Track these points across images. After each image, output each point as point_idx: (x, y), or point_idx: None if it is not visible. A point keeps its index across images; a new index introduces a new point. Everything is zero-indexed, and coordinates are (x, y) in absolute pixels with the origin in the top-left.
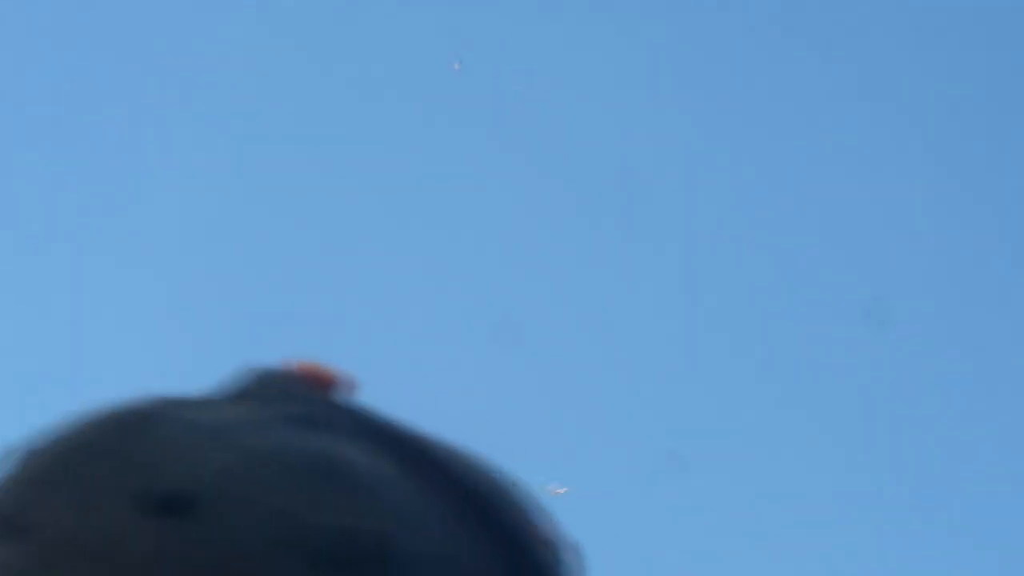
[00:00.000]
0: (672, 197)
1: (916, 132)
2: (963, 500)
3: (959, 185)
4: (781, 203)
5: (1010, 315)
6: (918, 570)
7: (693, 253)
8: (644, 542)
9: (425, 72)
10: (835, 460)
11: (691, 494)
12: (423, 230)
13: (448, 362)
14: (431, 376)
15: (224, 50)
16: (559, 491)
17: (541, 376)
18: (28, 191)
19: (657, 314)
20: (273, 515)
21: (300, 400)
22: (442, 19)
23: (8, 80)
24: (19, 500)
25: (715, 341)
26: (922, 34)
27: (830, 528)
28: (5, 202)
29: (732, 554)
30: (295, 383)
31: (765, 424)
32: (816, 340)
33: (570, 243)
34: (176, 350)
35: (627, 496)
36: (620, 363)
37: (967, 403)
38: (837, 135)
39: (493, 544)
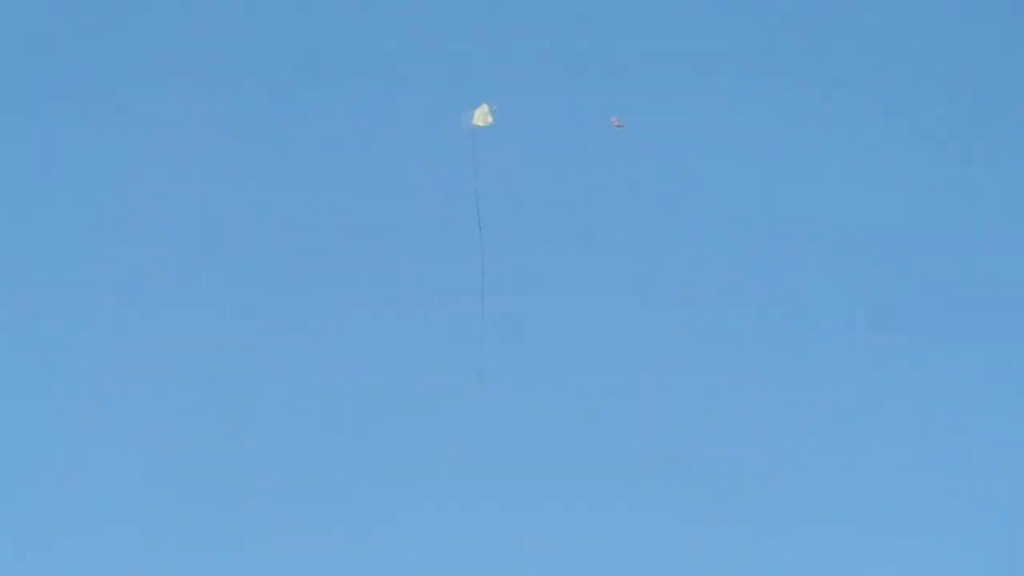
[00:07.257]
0: (672, 204)
1: (915, 134)
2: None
3: (958, 186)
4: (780, 204)
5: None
6: (916, 566)
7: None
8: None
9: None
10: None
11: (691, 493)
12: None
13: None
14: None
15: None
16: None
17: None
18: None
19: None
20: None
21: None
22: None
23: None
24: None
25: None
26: (920, 42)
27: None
28: None
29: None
30: None
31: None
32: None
33: (569, 241)
34: None
35: None
36: (619, 360)
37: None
38: (837, 139)
39: None
